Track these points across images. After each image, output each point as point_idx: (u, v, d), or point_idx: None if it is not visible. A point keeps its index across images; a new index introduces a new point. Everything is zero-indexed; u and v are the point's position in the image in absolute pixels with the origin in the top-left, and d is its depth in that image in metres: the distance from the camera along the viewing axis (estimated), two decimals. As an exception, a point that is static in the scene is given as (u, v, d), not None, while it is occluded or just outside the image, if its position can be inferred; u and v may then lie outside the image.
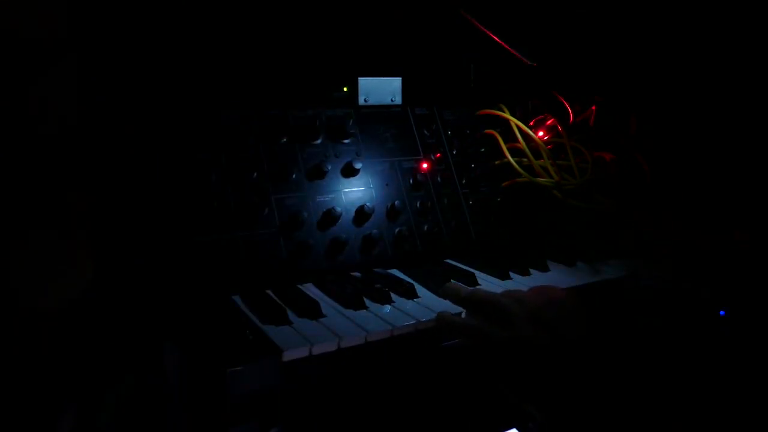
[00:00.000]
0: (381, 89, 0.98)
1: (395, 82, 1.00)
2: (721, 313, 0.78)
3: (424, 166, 0.98)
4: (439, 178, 0.98)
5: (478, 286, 0.80)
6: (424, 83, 1.04)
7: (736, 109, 0.96)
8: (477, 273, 0.85)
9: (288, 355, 0.60)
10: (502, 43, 1.00)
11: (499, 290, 0.71)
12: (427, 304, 0.74)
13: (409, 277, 0.85)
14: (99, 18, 0.72)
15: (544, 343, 0.56)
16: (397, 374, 0.70)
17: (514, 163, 1.01)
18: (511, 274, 0.86)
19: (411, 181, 0.95)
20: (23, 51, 0.65)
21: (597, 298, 0.84)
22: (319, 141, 0.90)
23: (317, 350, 0.62)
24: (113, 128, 0.74)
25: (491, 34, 1.00)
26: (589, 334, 0.58)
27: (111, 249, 0.70)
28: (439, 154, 1.00)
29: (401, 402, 0.72)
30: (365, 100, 0.97)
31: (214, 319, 0.68)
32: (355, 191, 0.90)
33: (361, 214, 0.87)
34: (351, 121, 0.94)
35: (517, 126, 1.03)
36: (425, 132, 1.01)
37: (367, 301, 0.74)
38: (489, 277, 0.85)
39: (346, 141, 0.92)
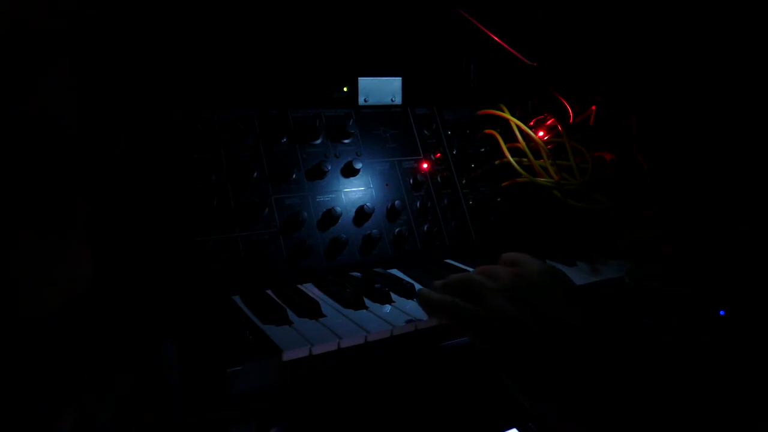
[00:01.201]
0: (381, 89, 0.98)
1: (395, 82, 1.00)
2: (721, 313, 0.78)
3: (424, 166, 0.98)
4: (439, 178, 0.98)
5: None
6: (424, 83, 1.04)
7: (736, 109, 0.96)
8: (477, 273, 0.85)
9: (288, 355, 0.60)
10: (502, 43, 1.00)
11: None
12: (427, 304, 0.74)
13: (409, 277, 0.85)
14: (101, 15, 0.72)
15: (514, 315, 0.56)
16: (397, 374, 0.70)
17: (514, 163, 1.01)
18: (511, 274, 0.85)
19: (411, 181, 0.95)
20: (25, 45, 0.65)
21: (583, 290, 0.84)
22: (319, 141, 0.90)
23: (317, 350, 0.62)
24: (113, 127, 0.74)
25: (491, 34, 1.00)
26: (562, 306, 0.58)
27: (111, 249, 0.70)
28: (439, 154, 1.00)
29: (401, 402, 0.72)
30: (365, 100, 0.97)
31: (214, 318, 0.68)
32: (355, 191, 0.90)
33: (361, 214, 0.87)
34: (351, 121, 0.94)
35: (517, 126, 1.03)
36: (425, 132, 1.01)
37: (367, 301, 0.74)
38: (489, 277, 0.85)
39: (346, 141, 0.93)
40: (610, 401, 0.52)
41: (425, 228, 0.93)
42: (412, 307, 0.73)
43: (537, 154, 1.03)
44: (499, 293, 0.59)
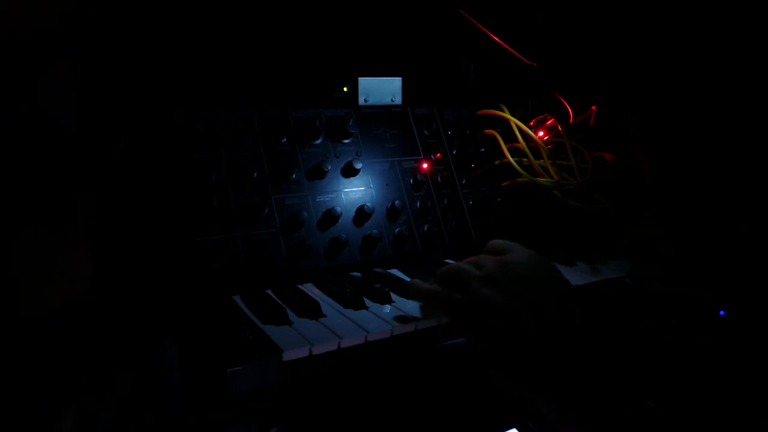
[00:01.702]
0: (381, 89, 0.98)
1: (395, 82, 1.00)
2: (721, 313, 0.78)
3: (424, 166, 0.98)
4: (439, 178, 0.98)
5: None
6: (424, 83, 1.04)
7: (736, 109, 0.96)
8: (477, 273, 0.85)
9: (288, 355, 0.60)
10: (502, 43, 1.00)
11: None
12: (427, 304, 0.74)
13: (409, 277, 0.85)
14: (101, 15, 0.72)
15: (504, 306, 0.56)
16: (397, 374, 0.70)
17: (514, 163, 1.01)
18: (511, 274, 0.85)
19: (411, 181, 0.95)
20: (25, 46, 0.65)
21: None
22: (319, 141, 0.90)
23: (317, 350, 0.62)
24: (113, 127, 0.74)
25: (491, 34, 1.00)
26: (560, 304, 0.58)
27: (111, 249, 0.70)
28: (439, 154, 1.00)
29: (401, 402, 0.72)
30: (365, 100, 0.97)
31: (214, 318, 0.68)
32: (355, 191, 0.90)
33: (361, 214, 0.87)
34: (351, 121, 0.94)
35: (517, 126, 1.03)
36: (425, 132, 1.01)
37: (367, 301, 0.74)
38: (489, 277, 0.85)
39: (346, 141, 0.93)
40: (610, 401, 0.52)
41: (425, 228, 0.93)
42: (412, 307, 0.73)
43: (537, 154, 1.03)
44: (484, 281, 0.59)
